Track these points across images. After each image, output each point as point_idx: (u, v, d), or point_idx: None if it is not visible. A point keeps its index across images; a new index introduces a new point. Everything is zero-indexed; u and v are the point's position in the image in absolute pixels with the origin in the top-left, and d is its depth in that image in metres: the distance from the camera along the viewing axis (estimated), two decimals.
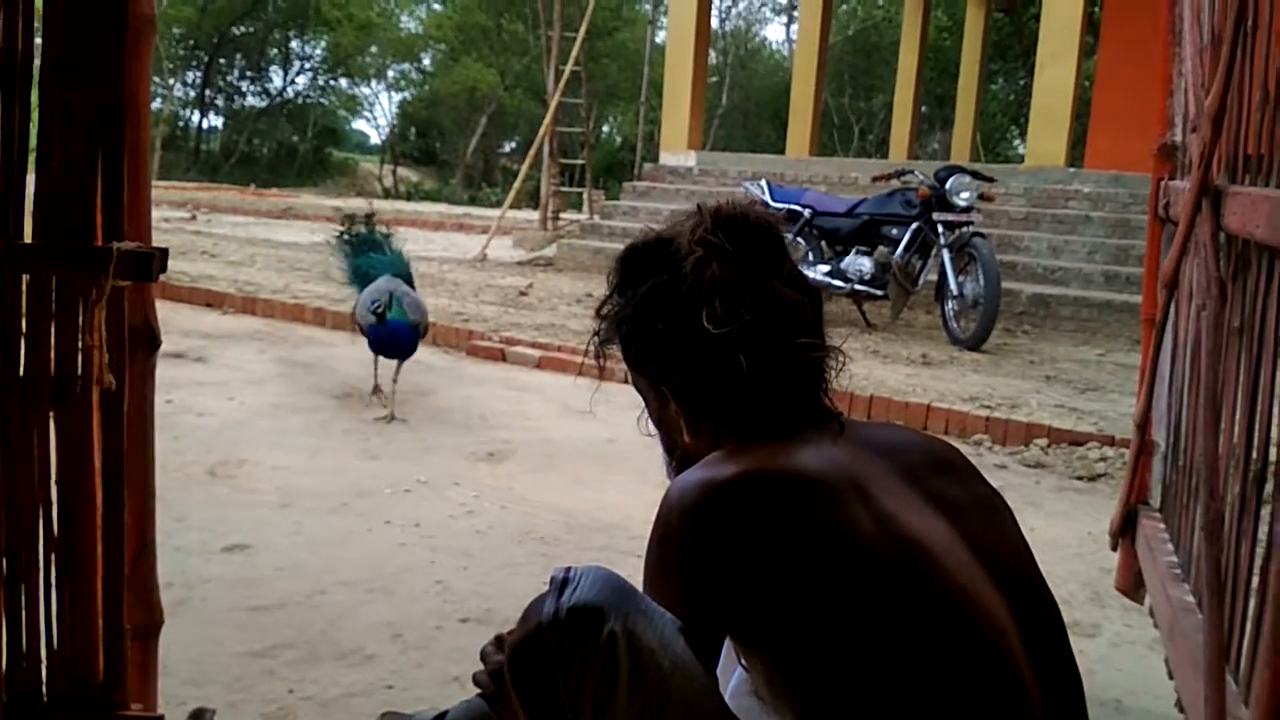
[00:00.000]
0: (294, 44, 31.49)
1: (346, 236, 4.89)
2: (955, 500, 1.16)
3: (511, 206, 11.79)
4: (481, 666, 1.23)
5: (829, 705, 1.05)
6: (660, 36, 18.25)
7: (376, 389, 4.47)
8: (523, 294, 7.75)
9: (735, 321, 1.15)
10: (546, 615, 1.08)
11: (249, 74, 31.44)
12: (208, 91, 30.70)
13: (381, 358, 4.41)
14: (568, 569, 1.13)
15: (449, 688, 2.09)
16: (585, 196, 13.27)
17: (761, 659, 1.11)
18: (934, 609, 1.05)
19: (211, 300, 6.74)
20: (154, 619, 1.27)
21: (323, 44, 31.14)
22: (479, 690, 1.20)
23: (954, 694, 1.03)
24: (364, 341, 4.37)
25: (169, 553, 2.49)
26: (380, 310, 4.10)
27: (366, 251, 4.83)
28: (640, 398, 1.32)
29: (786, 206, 7.19)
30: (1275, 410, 1.36)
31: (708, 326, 1.15)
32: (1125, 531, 2.23)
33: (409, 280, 4.74)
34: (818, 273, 6.95)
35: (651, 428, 1.33)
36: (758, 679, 1.15)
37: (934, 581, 1.06)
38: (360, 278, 4.73)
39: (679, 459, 1.27)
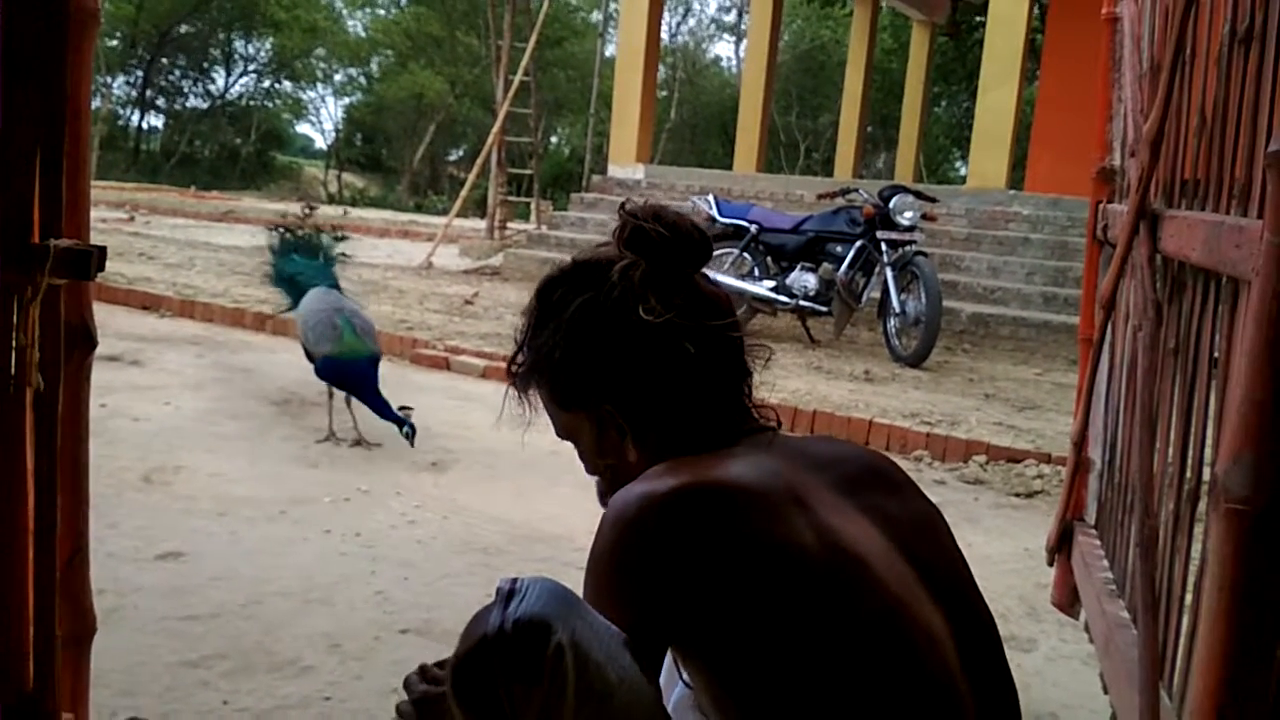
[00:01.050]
0: (238, 44, 31.08)
1: (286, 236, 4.51)
2: (892, 513, 1.17)
3: (458, 215, 11.72)
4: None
5: (767, 716, 1.05)
6: (610, 49, 18.30)
7: (332, 434, 3.99)
8: (468, 303, 7.70)
9: (671, 310, 1.16)
10: (492, 628, 1.07)
11: (191, 74, 30.95)
12: (148, 91, 30.17)
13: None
14: (514, 580, 1.12)
15: (388, 699, 2.06)
16: (533, 206, 13.24)
17: (702, 670, 1.11)
18: (870, 620, 1.06)
19: (149, 303, 6.61)
20: (86, 626, 1.23)
21: (268, 45, 30.78)
22: None
23: (889, 706, 1.04)
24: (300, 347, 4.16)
25: (101, 560, 2.43)
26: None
27: (291, 254, 4.45)
28: (570, 441, 1.30)
29: (733, 222, 7.24)
30: (1209, 429, 1.39)
31: (646, 319, 1.16)
32: (1061, 547, 2.26)
33: (337, 285, 4.42)
34: (763, 288, 6.99)
35: (589, 469, 1.32)
36: (699, 691, 1.15)
37: (871, 593, 1.07)
38: (285, 281, 4.39)
39: (621, 485, 1.23)
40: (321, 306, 4.00)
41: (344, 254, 4.56)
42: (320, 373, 3.93)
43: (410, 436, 3.76)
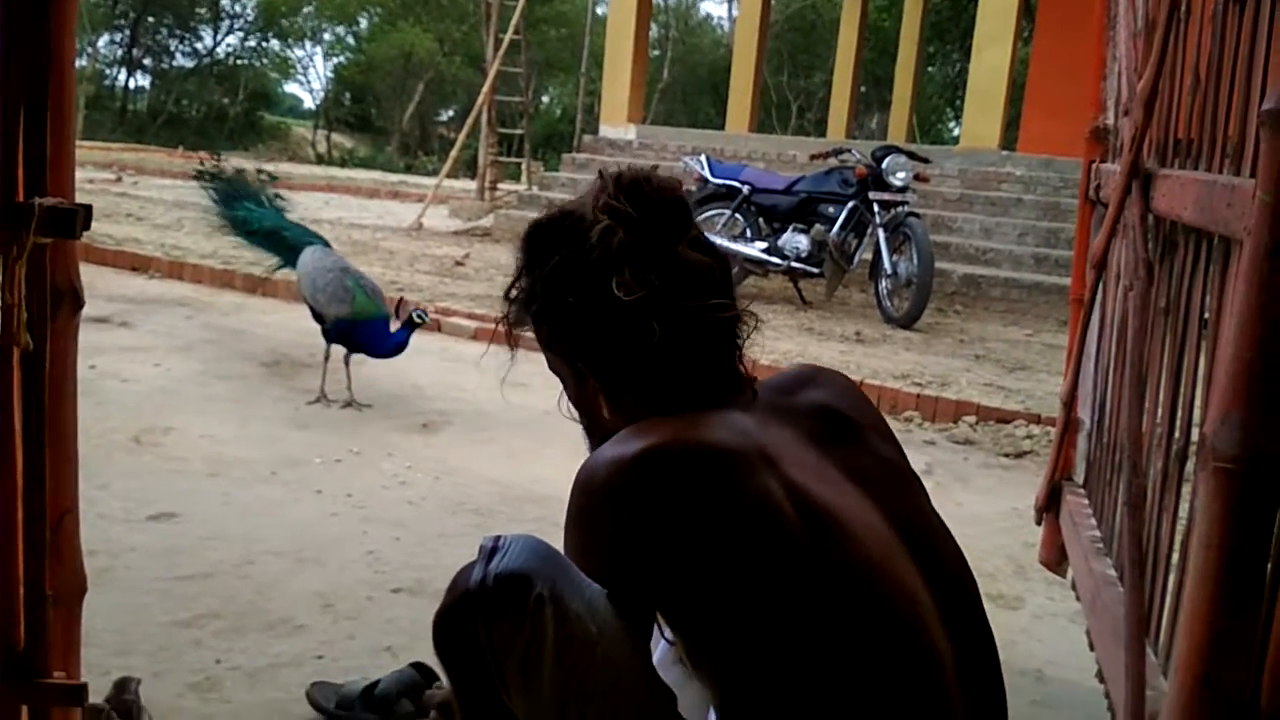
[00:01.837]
0: (224, 2, 30.67)
1: (210, 188, 4.27)
2: (866, 470, 1.17)
3: (448, 176, 11.64)
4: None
5: (745, 675, 1.06)
6: (601, 8, 18.12)
7: (323, 395, 3.93)
8: (459, 264, 7.68)
9: (645, 287, 1.14)
10: (474, 582, 1.08)
11: (178, 32, 30.55)
12: (134, 50, 29.80)
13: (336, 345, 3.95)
14: (497, 537, 1.13)
15: (380, 657, 2.07)
16: (524, 167, 13.16)
17: (680, 629, 1.12)
18: (846, 578, 1.06)
19: (137, 264, 6.56)
20: (77, 586, 1.23)
21: (254, 3, 30.39)
22: None
23: (867, 663, 1.05)
24: (302, 309, 4.08)
25: (92, 521, 2.43)
26: (417, 319, 3.83)
27: (240, 200, 4.24)
28: (557, 378, 1.30)
29: (725, 182, 7.21)
30: (1198, 389, 1.39)
31: (618, 295, 1.14)
32: (1049, 506, 2.28)
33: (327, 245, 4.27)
34: (755, 249, 6.98)
35: (571, 409, 1.32)
36: (681, 652, 1.16)
37: (846, 551, 1.07)
38: (259, 237, 4.24)
39: (599, 438, 1.25)
40: (329, 266, 3.92)
41: (280, 196, 4.47)
42: (332, 334, 3.90)
43: (423, 318, 3.90)
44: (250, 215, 4.22)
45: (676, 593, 1.08)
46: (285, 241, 4.18)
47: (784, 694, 1.04)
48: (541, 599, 1.06)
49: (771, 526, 1.05)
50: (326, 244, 4.21)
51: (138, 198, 10.49)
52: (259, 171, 4.60)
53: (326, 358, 3.96)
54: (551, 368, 1.29)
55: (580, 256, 1.18)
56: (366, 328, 3.86)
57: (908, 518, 1.16)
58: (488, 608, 1.07)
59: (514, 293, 1.27)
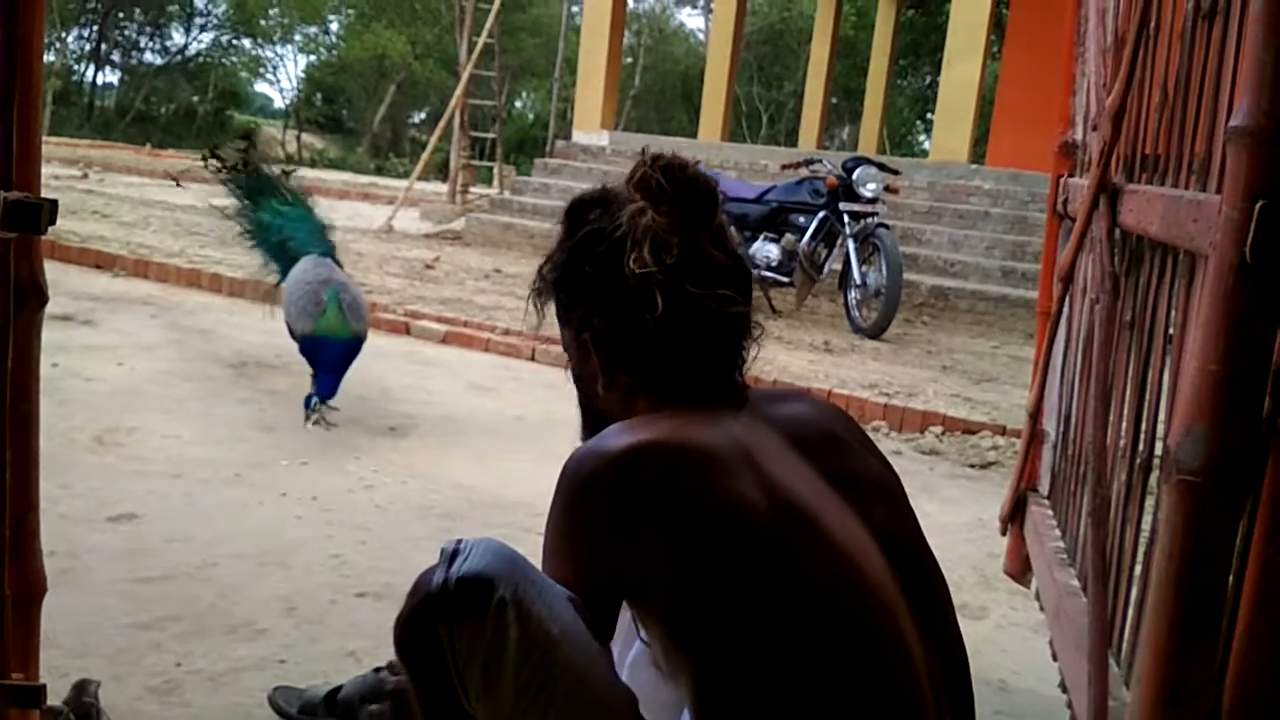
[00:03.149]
0: (196, 0, 30.40)
1: (230, 177, 3.84)
2: (850, 477, 1.20)
3: (420, 178, 11.59)
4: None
5: (721, 671, 1.08)
6: (576, 13, 18.11)
7: (314, 413, 3.68)
8: (429, 267, 7.64)
9: (658, 265, 1.18)
10: (436, 585, 1.09)
11: (148, 29, 30.24)
12: (103, 45, 29.46)
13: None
14: (458, 541, 1.14)
15: (344, 662, 2.05)
16: (496, 171, 13.12)
17: (657, 625, 1.14)
18: (822, 573, 1.09)
19: (102, 262, 6.47)
20: (36, 586, 1.21)
21: (227, 1, 30.13)
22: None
23: (842, 658, 1.07)
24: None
25: (52, 521, 2.39)
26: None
27: (268, 201, 3.83)
28: (565, 354, 1.35)
29: None
30: (1162, 402, 1.41)
31: (632, 268, 1.18)
32: (1014, 517, 2.30)
33: (333, 253, 3.88)
34: None
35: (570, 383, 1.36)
36: (655, 648, 1.17)
37: (820, 548, 1.10)
38: (271, 245, 3.84)
39: (593, 417, 1.31)
40: (309, 279, 3.59)
41: (305, 192, 4.08)
42: (300, 351, 3.61)
43: (312, 410, 3.60)
44: (273, 222, 3.87)
45: (655, 587, 1.11)
46: (288, 251, 3.84)
47: (761, 686, 1.06)
48: (504, 601, 1.06)
49: (748, 524, 1.08)
50: (328, 251, 3.86)
51: (104, 195, 10.36)
52: (284, 163, 4.32)
53: (314, 375, 3.66)
54: (563, 343, 1.34)
55: (608, 230, 1.23)
56: (328, 346, 3.54)
57: (886, 525, 1.18)
58: (449, 610, 1.07)
59: (547, 266, 1.31)
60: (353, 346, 3.59)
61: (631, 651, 1.37)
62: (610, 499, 1.11)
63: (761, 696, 1.06)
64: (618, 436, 1.14)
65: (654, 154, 1.24)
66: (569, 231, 1.29)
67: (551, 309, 1.33)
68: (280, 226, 3.86)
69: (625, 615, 1.29)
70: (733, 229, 1.29)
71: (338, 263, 3.89)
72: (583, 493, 1.13)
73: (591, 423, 1.31)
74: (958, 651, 1.18)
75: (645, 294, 1.19)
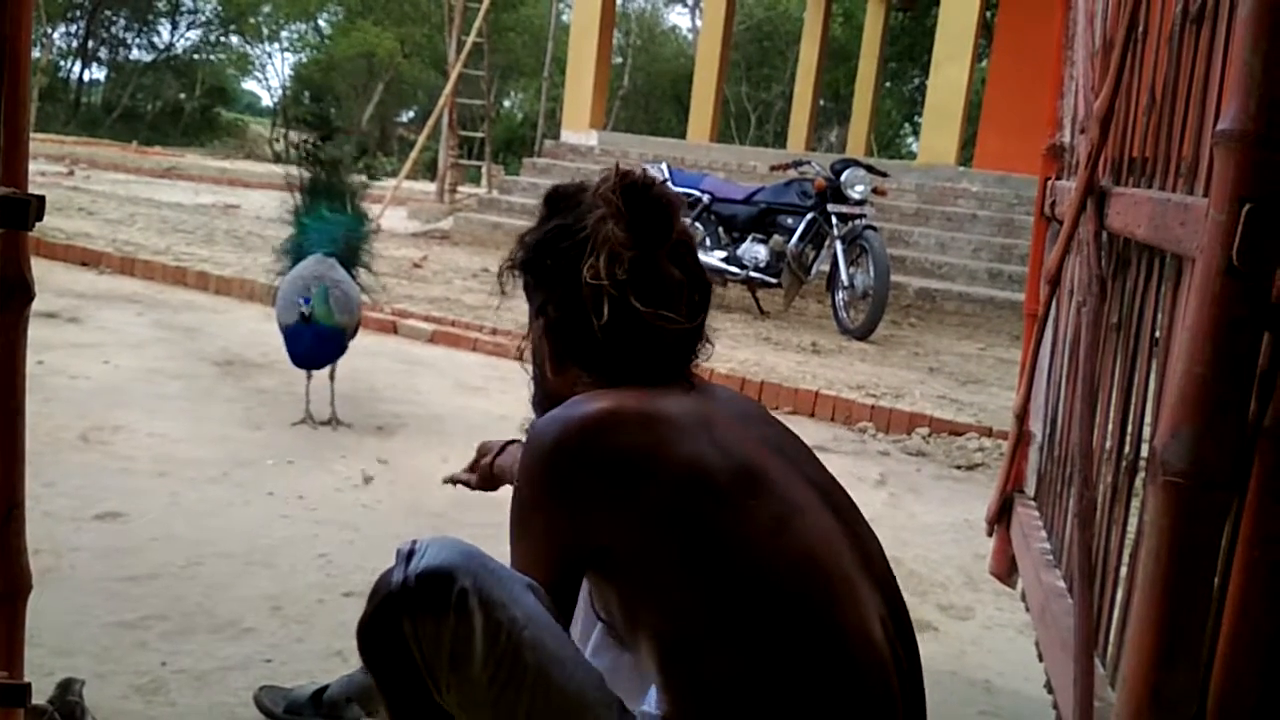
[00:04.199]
0: None
1: (309, 173, 3.74)
2: (780, 442, 1.27)
3: (408, 177, 11.57)
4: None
5: (685, 622, 1.12)
6: (565, 13, 18.10)
7: (308, 417, 3.65)
8: (417, 266, 7.63)
9: (610, 279, 1.23)
10: (395, 583, 1.11)
11: (135, 25, 30.10)
12: (90, 42, 29.31)
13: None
14: (413, 541, 1.15)
15: (330, 661, 2.05)
16: (484, 170, 13.11)
17: (618, 594, 1.18)
18: (774, 519, 1.14)
19: (88, 259, 6.44)
20: (21, 584, 1.21)
21: None
22: None
23: (799, 606, 1.11)
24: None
25: (37, 519, 2.38)
26: (306, 312, 3.34)
27: (319, 204, 3.77)
28: (528, 323, 1.40)
29: (686, 191, 7.22)
30: (1148, 404, 1.41)
31: (585, 276, 1.24)
32: (1001, 518, 2.30)
33: (355, 254, 3.80)
34: (714, 258, 7.00)
35: (528, 355, 1.42)
36: (617, 617, 1.22)
37: (773, 498, 1.16)
38: (291, 245, 3.81)
39: (541, 394, 1.38)
40: (303, 273, 3.52)
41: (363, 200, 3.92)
42: (285, 344, 3.54)
43: (305, 310, 3.39)
44: (311, 225, 3.75)
45: (621, 547, 1.15)
46: (302, 251, 3.75)
47: (723, 629, 1.10)
48: (465, 591, 1.09)
49: (710, 479, 1.14)
50: (335, 251, 3.75)
51: (90, 192, 10.30)
52: (359, 156, 4.07)
53: (309, 376, 3.68)
54: (528, 318, 1.39)
55: (572, 230, 1.28)
56: (301, 332, 3.44)
57: (818, 479, 1.25)
58: (412, 606, 1.09)
59: (527, 238, 1.37)
60: (331, 335, 3.50)
61: (591, 640, 1.40)
62: (578, 463, 1.15)
63: (724, 639, 1.10)
64: (578, 405, 1.19)
65: (621, 172, 1.29)
66: (542, 217, 1.35)
67: (519, 284, 1.39)
68: (318, 240, 3.76)
69: (580, 608, 1.35)
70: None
71: (355, 265, 3.83)
72: (550, 460, 1.17)
73: (541, 398, 1.38)
74: (895, 584, 1.24)
75: (595, 302, 1.24)
